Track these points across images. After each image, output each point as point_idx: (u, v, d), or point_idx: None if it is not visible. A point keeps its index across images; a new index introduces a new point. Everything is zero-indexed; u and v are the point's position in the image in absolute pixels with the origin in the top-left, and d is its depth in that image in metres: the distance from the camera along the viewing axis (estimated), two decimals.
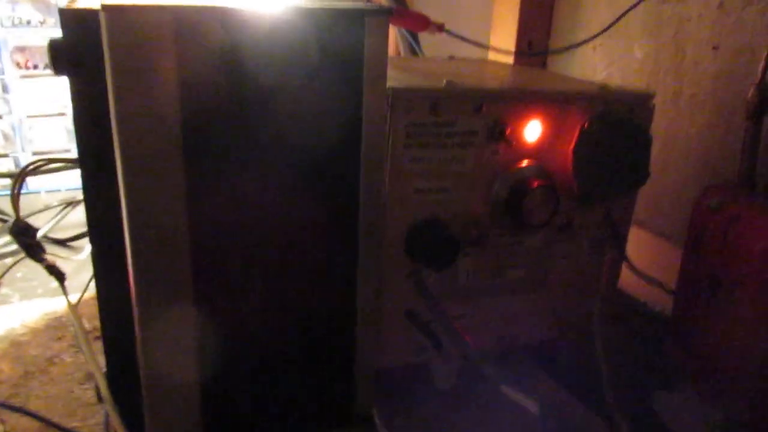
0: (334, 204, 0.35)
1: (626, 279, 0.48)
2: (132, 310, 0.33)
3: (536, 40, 0.69)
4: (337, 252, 0.36)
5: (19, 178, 0.46)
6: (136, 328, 0.33)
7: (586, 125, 0.39)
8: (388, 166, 0.36)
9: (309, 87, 0.32)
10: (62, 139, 0.89)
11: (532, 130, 0.39)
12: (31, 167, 0.47)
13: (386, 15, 0.32)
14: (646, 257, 0.55)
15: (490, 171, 0.39)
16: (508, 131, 0.38)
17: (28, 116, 0.85)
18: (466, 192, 0.39)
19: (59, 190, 0.87)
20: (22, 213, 0.51)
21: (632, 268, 0.44)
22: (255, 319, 0.36)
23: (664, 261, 0.54)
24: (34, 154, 0.87)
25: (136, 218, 0.30)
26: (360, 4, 0.33)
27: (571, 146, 0.39)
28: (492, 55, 0.72)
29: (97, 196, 0.34)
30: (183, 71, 0.29)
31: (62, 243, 0.72)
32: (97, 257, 0.34)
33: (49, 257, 0.46)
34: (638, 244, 0.55)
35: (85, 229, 0.75)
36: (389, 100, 0.35)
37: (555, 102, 0.39)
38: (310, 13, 0.31)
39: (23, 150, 0.86)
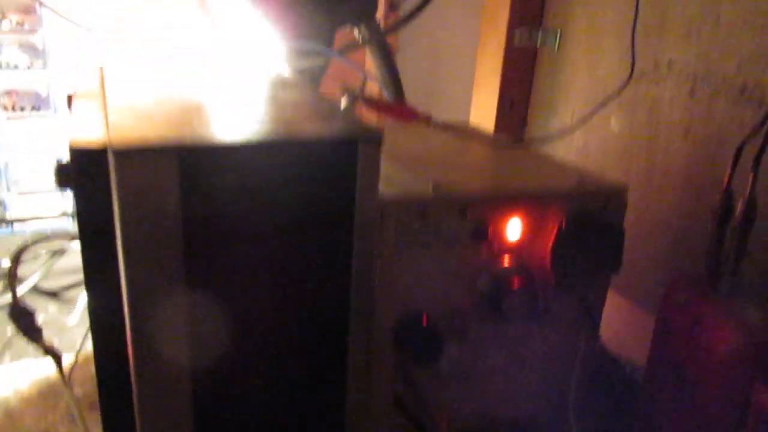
0: (326, 300, 0.37)
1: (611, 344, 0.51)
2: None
3: (517, 100, 0.72)
4: (326, 348, 0.38)
5: (17, 257, 0.48)
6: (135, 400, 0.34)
7: (563, 225, 0.41)
8: (378, 266, 0.38)
9: (302, 207, 0.34)
10: (48, 179, 0.89)
11: (513, 229, 0.41)
12: (27, 247, 0.48)
13: (378, 141, 0.34)
14: (618, 320, 0.58)
15: (474, 267, 0.41)
16: (490, 231, 0.40)
17: (14, 157, 0.85)
18: (451, 287, 0.41)
19: (45, 231, 0.88)
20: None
21: (603, 351, 0.47)
22: (251, 405, 0.37)
23: (634, 323, 0.57)
24: (20, 194, 0.87)
25: (139, 340, 0.32)
26: (353, 130, 0.34)
27: (550, 244, 0.42)
28: (474, 112, 0.74)
29: (100, 293, 0.35)
30: (187, 207, 0.30)
31: (51, 294, 0.73)
32: (101, 371, 0.36)
33: (46, 335, 0.47)
34: (613, 307, 0.57)
35: (73, 278, 0.76)
36: (380, 208, 0.37)
37: (535, 202, 0.41)
38: (306, 143, 0.33)
39: (8, 190, 0.86)
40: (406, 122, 0.45)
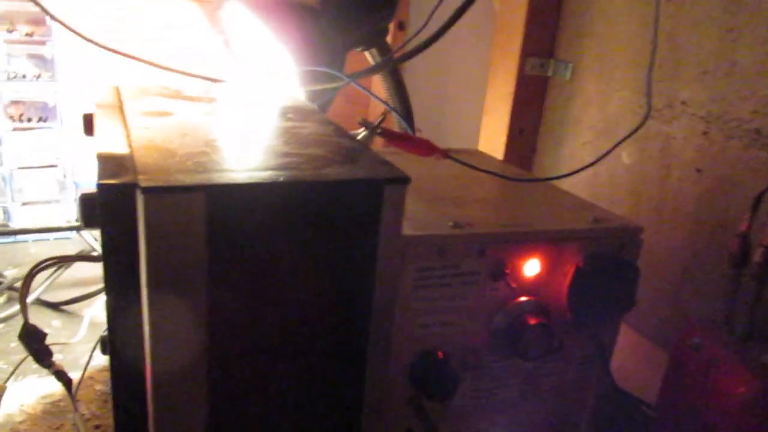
0: (347, 340, 0.37)
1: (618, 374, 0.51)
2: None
3: (527, 127, 0.72)
4: (344, 380, 0.38)
5: (27, 280, 0.47)
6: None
7: (580, 265, 0.42)
8: (397, 304, 0.38)
9: (326, 246, 0.34)
10: (53, 190, 0.89)
11: (531, 268, 0.41)
12: (39, 269, 0.47)
13: (404, 183, 0.34)
14: (628, 353, 0.58)
15: (491, 305, 0.41)
16: (508, 270, 0.40)
17: (19, 168, 0.85)
18: (467, 324, 0.41)
19: (48, 240, 0.87)
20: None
21: (614, 388, 0.47)
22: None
23: (643, 357, 0.57)
24: (24, 204, 0.87)
25: (159, 376, 0.32)
26: (379, 171, 0.35)
27: (567, 283, 0.42)
28: (483, 138, 0.75)
29: (123, 329, 0.35)
30: (213, 246, 0.30)
31: (56, 306, 0.72)
32: (117, 402, 0.35)
33: (56, 361, 0.47)
34: (624, 342, 0.58)
35: (77, 290, 0.76)
36: (400, 247, 0.37)
37: (553, 242, 0.41)
38: (332, 186, 0.33)
39: (13, 200, 0.86)
40: (424, 155, 0.45)
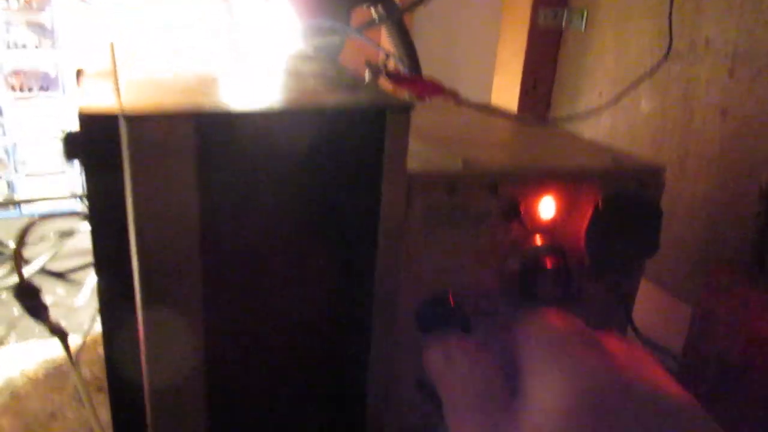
0: (351, 283, 0.35)
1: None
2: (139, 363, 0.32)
3: (541, 80, 0.69)
4: (351, 325, 0.36)
5: (22, 236, 0.46)
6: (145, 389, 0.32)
7: (599, 205, 0.39)
8: (404, 246, 0.36)
9: (327, 181, 0.32)
10: (56, 161, 0.87)
11: (546, 208, 0.39)
12: (32, 225, 0.46)
13: (408, 111, 0.32)
14: (651, 308, 0.56)
15: (504, 247, 0.39)
16: (522, 210, 0.38)
17: (22, 138, 0.83)
18: (479, 268, 0.39)
19: (53, 214, 0.86)
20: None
21: (638, 335, 0.45)
22: (265, 390, 0.36)
23: (667, 312, 0.55)
24: (28, 176, 0.86)
25: (152, 312, 0.30)
26: (381, 99, 0.32)
27: (584, 225, 0.39)
28: (495, 94, 0.72)
29: (111, 275, 0.33)
30: (204, 175, 0.28)
31: (60, 275, 0.71)
32: (107, 330, 0.34)
33: (52, 312, 0.46)
34: (643, 295, 0.55)
35: (82, 259, 0.74)
36: (407, 184, 0.35)
37: (569, 180, 0.39)
38: (331, 112, 0.30)
39: (16, 171, 0.85)
40: (432, 96, 0.43)
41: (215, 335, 0.32)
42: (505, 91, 0.71)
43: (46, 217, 0.44)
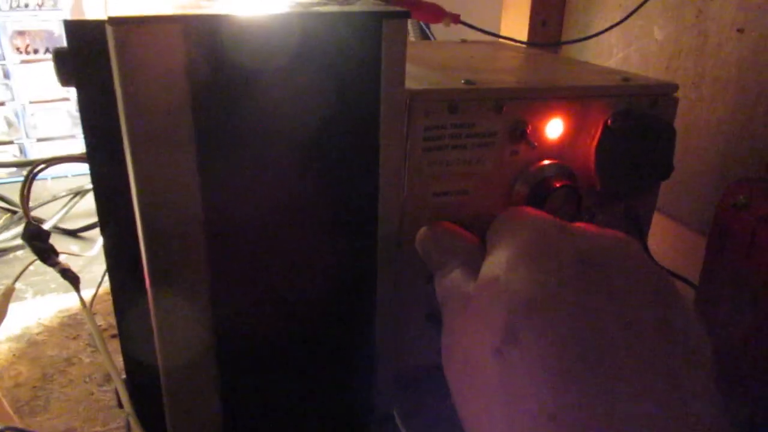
0: (353, 204, 0.34)
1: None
2: (148, 306, 0.32)
3: (550, 19, 0.67)
4: (356, 251, 0.35)
5: (28, 178, 0.45)
6: (152, 319, 0.32)
7: (609, 122, 0.38)
8: (407, 169, 0.35)
9: (323, 91, 0.31)
10: (66, 124, 0.88)
11: (554, 129, 0.38)
12: (39, 167, 0.46)
13: (405, 17, 0.30)
14: (667, 242, 0.54)
15: (511, 171, 0.38)
16: (529, 130, 0.37)
17: (31, 102, 0.84)
18: (486, 193, 0.38)
19: (66, 176, 0.87)
20: (30, 204, 0.50)
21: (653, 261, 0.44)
22: (272, 315, 0.35)
23: (683, 246, 0.54)
24: (39, 140, 0.86)
25: (147, 215, 0.29)
26: (376, 6, 0.31)
27: (594, 144, 0.38)
28: (504, 33, 0.70)
29: (108, 195, 0.33)
30: (193, 80, 0.28)
31: (72, 234, 0.71)
32: (110, 256, 0.34)
33: (62, 258, 0.46)
34: (658, 230, 0.54)
35: (94, 218, 0.75)
36: (407, 103, 0.34)
37: (577, 99, 0.38)
38: (325, 17, 0.29)
39: (27, 136, 0.85)
40: (432, 21, 0.41)
41: (219, 275, 0.31)
42: (514, 30, 0.69)
43: (53, 160, 0.44)
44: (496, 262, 0.27)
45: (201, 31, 0.27)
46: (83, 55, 0.29)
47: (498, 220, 0.31)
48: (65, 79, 0.31)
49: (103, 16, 0.27)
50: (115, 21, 0.26)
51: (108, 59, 0.28)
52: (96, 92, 0.30)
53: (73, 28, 0.28)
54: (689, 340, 0.24)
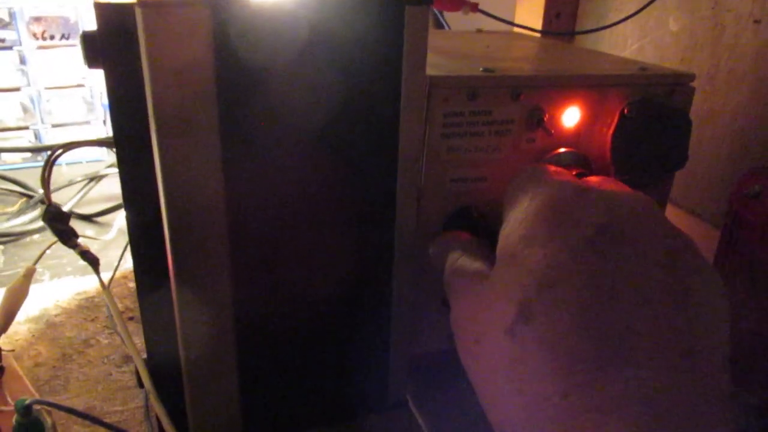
0: (372, 191, 0.34)
1: None
2: (170, 291, 0.33)
3: (564, 11, 0.67)
4: (374, 237, 0.36)
5: (48, 162, 0.46)
6: (174, 303, 0.33)
7: (625, 111, 0.38)
8: (425, 155, 0.36)
9: (346, 76, 0.31)
10: (81, 111, 0.88)
11: (571, 117, 0.38)
12: (60, 151, 0.46)
13: (427, 3, 0.31)
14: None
15: (528, 158, 0.38)
16: (546, 118, 0.37)
17: (46, 88, 0.84)
18: (503, 179, 0.38)
19: (81, 162, 0.87)
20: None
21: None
22: (291, 302, 0.36)
23: (697, 239, 0.54)
24: (54, 126, 0.87)
25: (173, 199, 0.30)
26: None
27: (610, 132, 0.39)
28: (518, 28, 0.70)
29: (134, 179, 0.34)
30: (220, 63, 0.28)
31: (88, 218, 0.72)
32: (135, 238, 0.34)
33: (81, 241, 0.46)
34: (671, 219, 0.54)
35: (110, 204, 0.76)
36: (427, 89, 0.34)
37: (594, 87, 0.38)
38: (349, 3, 0.30)
39: (43, 122, 0.86)
40: (452, 9, 0.42)
41: (239, 257, 0.32)
42: (528, 23, 0.69)
43: (72, 144, 0.45)
44: (513, 236, 0.27)
45: (229, 15, 0.28)
46: (112, 38, 0.29)
47: (518, 177, 0.31)
48: (92, 61, 0.31)
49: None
50: (144, 3, 0.26)
51: (137, 42, 0.28)
52: (124, 75, 0.30)
53: (103, 10, 0.28)
54: (707, 312, 0.23)
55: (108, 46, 0.30)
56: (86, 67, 0.32)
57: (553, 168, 0.30)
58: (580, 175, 0.38)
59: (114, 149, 0.34)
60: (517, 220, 0.27)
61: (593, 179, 0.30)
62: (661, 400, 0.21)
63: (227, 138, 0.30)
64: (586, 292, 0.23)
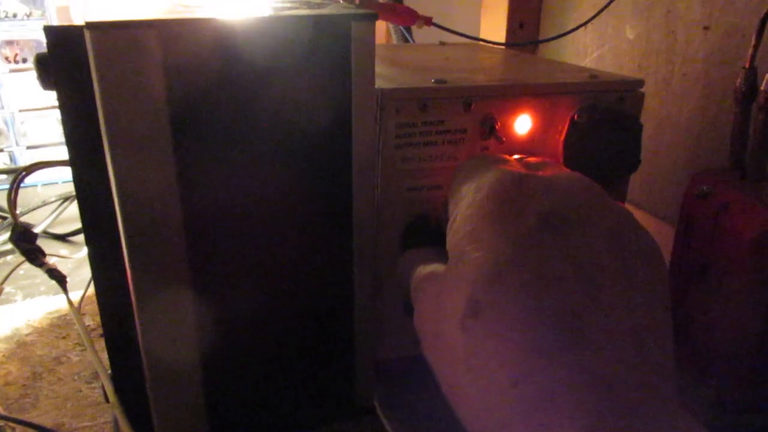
0: (328, 202, 0.35)
1: None
2: (131, 308, 0.34)
3: (527, 21, 0.69)
4: (332, 248, 0.37)
5: (15, 181, 0.47)
6: (136, 323, 0.34)
7: (575, 117, 0.39)
8: (380, 166, 0.37)
9: (296, 92, 0.32)
10: (56, 132, 0.89)
11: (522, 125, 0.39)
12: (27, 170, 0.47)
13: (372, 19, 0.32)
14: None
15: None
16: (498, 126, 0.38)
17: (20, 110, 0.85)
18: None
19: (56, 183, 0.87)
20: (19, 210, 0.51)
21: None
22: (252, 312, 0.36)
23: (659, 240, 0.55)
24: (29, 148, 0.87)
25: (129, 217, 0.31)
26: (345, 10, 0.33)
27: (561, 138, 0.40)
28: (483, 35, 0.71)
29: (91, 199, 0.34)
30: (170, 83, 0.29)
31: (62, 238, 0.72)
32: (94, 257, 0.35)
33: (49, 260, 0.47)
34: None
35: None
36: (378, 101, 0.35)
37: (544, 95, 0.39)
38: (296, 21, 0.31)
39: (17, 144, 0.86)
40: (405, 23, 0.43)
41: (198, 261, 0.33)
42: (492, 34, 0.70)
43: (40, 164, 0.45)
44: (460, 233, 0.27)
45: (176, 36, 0.29)
46: (64, 60, 0.30)
47: (461, 169, 0.32)
48: (47, 83, 0.32)
49: (82, 22, 0.29)
50: (92, 26, 0.27)
51: (87, 64, 0.29)
52: (76, 97, 0.31)
53: (54, 33, 0.29)
54: (650, 291, 0.24)
55: (60, 69, 0.30)
56: (42, 89, 0.33)
57: (494, 156, 0.31)
58: (522, 159, 0.39)
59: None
60: (463, 216, 0.28)
61: (534, 160, 0.31)
62: (611, 379, 0.21)
63: (181, 154, 0.30)
64: (532, 282, 0.24)
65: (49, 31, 0.29)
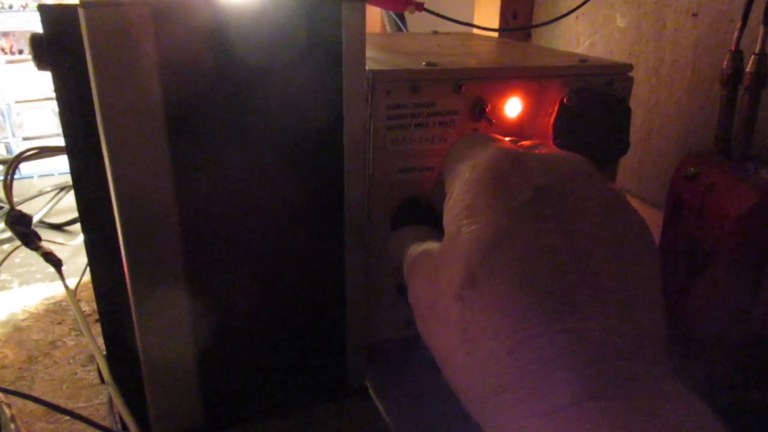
0: (319, 184, 0.36)
1: None
2: (127, 293, 0.34)
3: (521, 11, 0.69)
4: (324, 230, 0.37)
5: (11, 166, 0.47)
6: (132, 309, 0.34)
7: (565, 100, 0.40)
8: (371, 148, 0.37)
9: (288, 73, 0.32)
10: (52, 123, 0.89)
11: (513, 107, 0.40)
12: (24, 155, 0.47)
13: (362, 0, 0.32)
14: None
15: None
16: (488, 109, 0.39)
17: (17, 101, 0.85)
18: None
19: (52, 174, 0.88)
20: (15, 199, 0.52)
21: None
22: (245, 296, 0.37)
23: (650, 224, 0.56)
24: (25, 139, 0.87)
25: (124, 199, 0.31)
26: None
27: (551, 121, 0.40)
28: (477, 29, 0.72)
29: (87, 183, 0.35)
30: (164, 62, 0.29)
31: (58, 227, 0.73)
32: (90, 243, 0.35)
33: (45, 244, 0.47)
34: None
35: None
36: (370, 83, 0.36)
37: (534, 78, 0.40)
38: (287, 1, 0.31)
39: (14, 135, 0.86)
40: (396, 9, 0.43)
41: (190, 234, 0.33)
42: (486, 23, 0.71)
43: (39, 149, 0.46)
44: (456, 208, 0.28)
45: (170, 14, 0.29)
46: (58, 40, 0.31)
47: (456, 147, 0.32)
48: (41, 63, 0.32)
49: (77, 0, 0.29)
50: (86, 4, 0.28)
51: (82, 43, 0.29)
52: (71, 77, 0.31)
53: (48, 12, 0.29)
54: (640, 263, 0.25)
55: (54, 48, 0.31)
56: (36, 69, 0.33)
57: (489, 135, 0.32)
58: (515, 142, 0.39)
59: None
60: (459, 192, 0.29)
61: (527, 143, 0.32)
62: (604, 345, 0.22)
63: (175, 131, 0.31)
64: (528, 252, 0.24)
65: (43, 9, 0.29)
